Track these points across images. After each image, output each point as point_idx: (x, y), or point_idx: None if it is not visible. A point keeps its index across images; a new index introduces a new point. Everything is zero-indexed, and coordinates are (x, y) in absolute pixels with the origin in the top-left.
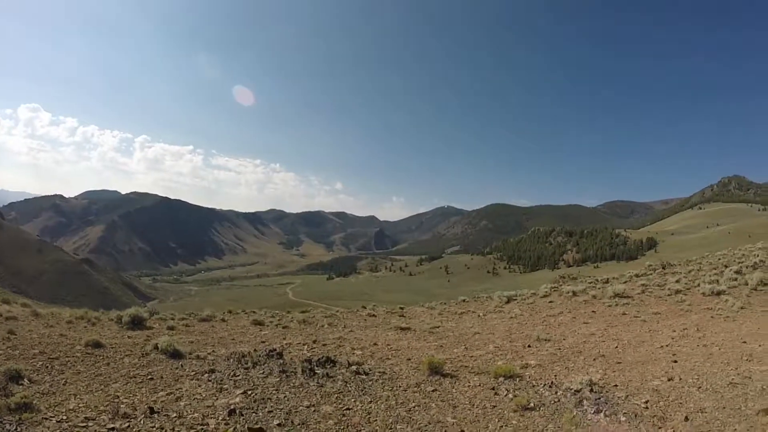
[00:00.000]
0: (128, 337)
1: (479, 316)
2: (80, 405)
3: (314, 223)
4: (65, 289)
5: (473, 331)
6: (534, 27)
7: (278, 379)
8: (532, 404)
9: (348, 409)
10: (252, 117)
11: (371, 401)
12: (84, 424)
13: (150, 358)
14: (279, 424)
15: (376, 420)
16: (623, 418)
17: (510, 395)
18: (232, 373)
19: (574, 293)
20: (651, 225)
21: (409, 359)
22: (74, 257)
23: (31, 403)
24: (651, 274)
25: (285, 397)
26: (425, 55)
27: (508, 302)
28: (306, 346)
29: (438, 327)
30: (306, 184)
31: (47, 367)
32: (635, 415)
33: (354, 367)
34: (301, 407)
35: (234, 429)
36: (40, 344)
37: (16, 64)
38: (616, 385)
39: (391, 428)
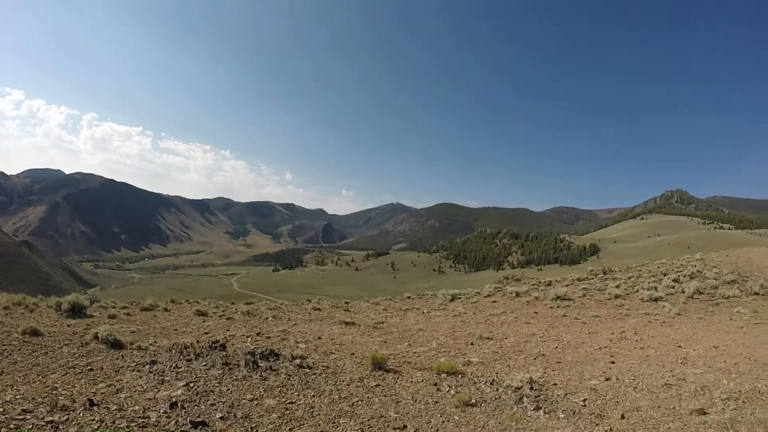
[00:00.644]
0: (68, 325)
1: (424, 313)
2: (17, 396)
3: (262, 213)
4: (2, 273)
5: (417, 327)
6: (484, 31)
7: (221, 371)
8: (473, 400)
9: (291, 402)
10: (204, 101)
11: (314, 395)
12: (21, 417)
13: (90, 348)
14: (221, 417)
15: (319, 414)
16: (562, 415)
17: (452, 391)
18: (174, 365)
19: (518, 294)
20: (595, 232)
21: (353, 354)
22: (13, 239)
23: None
24: (592, 278)
25: (228, 389)
26: (379, 48)
27: (452, 300)
28: (250, 339)
29: (382, 323)
30: (256, 173)
31: None
32: (573, 413)
33: (298, 361)
34: (243, 400)
35: (176, 422)
36: None
37: None
38: (555, 384)
39: (334, 423)
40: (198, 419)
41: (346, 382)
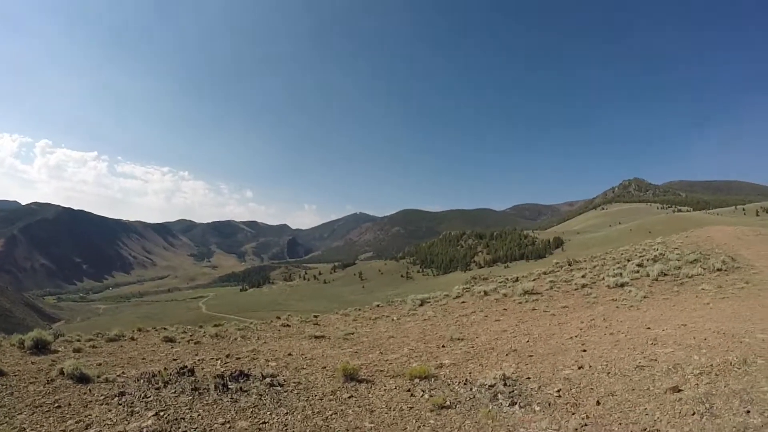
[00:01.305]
0: (32, 362)
1: (393, 320)
2: None
3: (225, 233)
4: None
5: (388, 335)
6: (441, 33)
7: (191, 397)
8: (448, 402)
9: (264, 422)
10: (159, 122)
11: (287, 413)
12: None
13: (56, 385)
14: None
15: (293, 431)
16: (537, 408)
17: (426, 395)
18: (143, 395)
19: (486, 293)
20: (557, 225)
21: (325, 367)
22: None
23: None
24: (558, 271)
25: (199, 415)
26: (334, 57)
27: (421, 305)
28: (219, 361)
29: (353, 333)
30: (216, 192)
31: None
32: (549, 404)
33: (268, 380)
34: (215, 425)
35: None
36: None
37: None
38: (528, 378)
39: None
40: None
41: (319, 396)
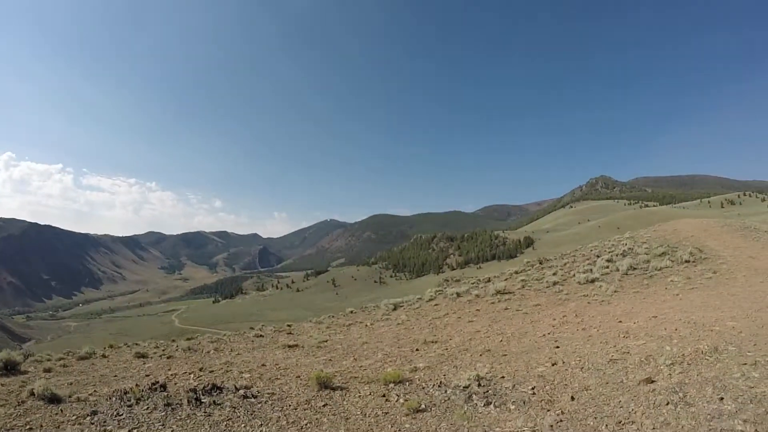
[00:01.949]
0: (2, 384)
1: (367, 326)
2: None
3: (195, 244)
4: None
5: (361, 341)
6: (409, 33)
7: (164, 413)
8: (423, 406)
9: None
10: (124, 132)
11: (262, 424)
12: None
13: (27, 406)
14: None
15: None
16: (513, 407)
17: (401, 400)
18: (115, 413)
19: (458, 294)
20: (527, 225)
21: (299, 377)
22: None
23: None
24: (530, 269)
25: (172, 431)
26: (297, 59)
27: (395, 309)
28: (192, 375)
29: (326, 341)
30: (184, 202)
31: None
32: (524, 402)
33: (242, 392)
34: None
35: None
36: None
37: None
38: (503, 377)
39: None
40: None
41: (293, 406)
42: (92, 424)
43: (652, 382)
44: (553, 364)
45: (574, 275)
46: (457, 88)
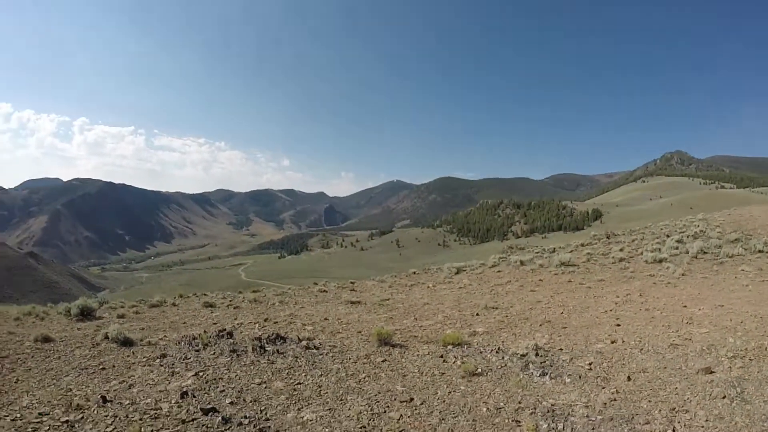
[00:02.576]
0: (78, 329)
1: (429, 287)
2: (33, 401)
3: (263, 201)
4: (12, 286)
5: (423, 302)
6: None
7: (229, 358)
8: (479, 370)
9: (299, 383)
10: (193, 94)
11: (321, 374)
12: (38, 420)
13: (101, 348)
14: (231, 403)
15: (326, 392)
16: (568, 380)
17: (458, 362)
18: (183, 357)
19: (522, 263)
20: (596, 197)
21: (360, 332)
22: (18, 252)
23: None
24: (596, 243)
25: (236, 376)
26: (365, 28)
27: (457, 273)
28: (257, 325)
29: (388, 299)
30: (253, 161)
31: None
32: (579, 377)
33: (304, 343)
34: (252, 385)
35: (187, 411)
36: None
37: None
38: (561, 349)
39: (341, 399)
40: (208, 406)
41: (353, 359)
42: (161, 366)
43: (711, 372)
44: (612, 342)
45: (641, 253)
46: (534, 54)
